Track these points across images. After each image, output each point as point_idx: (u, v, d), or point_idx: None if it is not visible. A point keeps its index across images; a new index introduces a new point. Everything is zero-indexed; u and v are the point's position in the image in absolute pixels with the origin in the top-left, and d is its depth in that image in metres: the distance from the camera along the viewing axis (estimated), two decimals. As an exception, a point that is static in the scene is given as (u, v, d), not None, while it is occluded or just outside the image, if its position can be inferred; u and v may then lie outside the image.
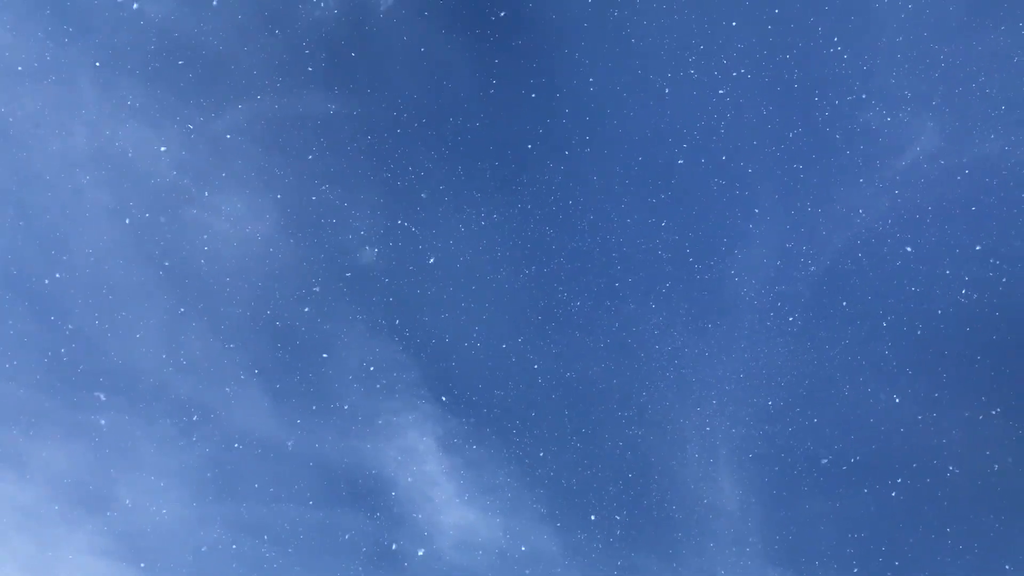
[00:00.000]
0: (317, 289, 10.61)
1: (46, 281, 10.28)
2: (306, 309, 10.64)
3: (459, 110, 10.41)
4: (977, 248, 10.03)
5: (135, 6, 9.77)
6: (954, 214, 10.07)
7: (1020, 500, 10.25)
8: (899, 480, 10.55)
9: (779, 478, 10.81)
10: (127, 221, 10.27)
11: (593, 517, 11.03)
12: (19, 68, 9.81)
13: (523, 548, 11.13)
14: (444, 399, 10.95)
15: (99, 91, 9.95)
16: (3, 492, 10.56)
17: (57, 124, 9.96)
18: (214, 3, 9.89)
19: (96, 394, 10.25)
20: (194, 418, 10.78)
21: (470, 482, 11.10)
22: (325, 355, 10.76)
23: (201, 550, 10.96)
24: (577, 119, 10.38)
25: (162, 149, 9.95)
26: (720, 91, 10.17)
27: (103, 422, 10.60)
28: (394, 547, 11.03)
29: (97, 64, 9.85)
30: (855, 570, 10.66)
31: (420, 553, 10.81)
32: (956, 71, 9.81)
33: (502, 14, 10.16)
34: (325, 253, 10.55)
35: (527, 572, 11.12)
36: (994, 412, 10.27)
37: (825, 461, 10.44)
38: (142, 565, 10.92)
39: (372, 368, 10.83)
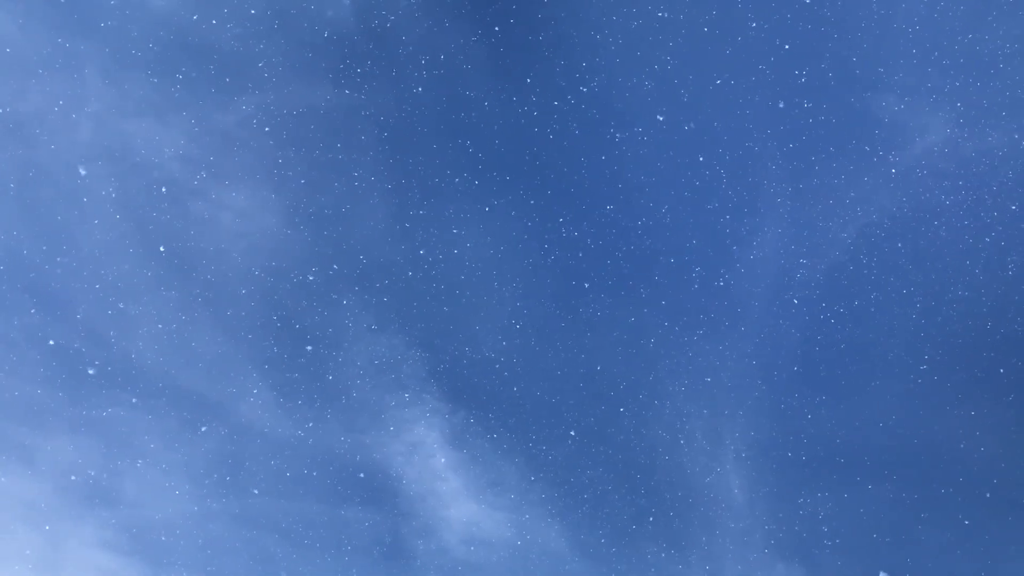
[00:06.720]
0: (324, 284, 10.60)
1: (52, 276, 10.26)
2: (314, 303, 10.63)
3: (470, 106, 10.39)
4: (986, 241, 10.04)
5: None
6: (962, 208, 10.08)
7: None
8: (905, 475, 10.57)
9: (786, 473, 10.83)
10: (133, 215, 10.25)
11: (599, 511, 11.04)
12: (25, 61, 9.77)
13: (529, 542, 11.14)
14: (451, 394, 10.96)
15: (106, 84, 9.91)
16: (10, 487, 10.55)
17: (63, 118, 9.93)
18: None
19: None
20: (201, 412, 10.78)
21: (477, 477, 11.11)
22: (332, 349, 10.76)
23: (208, 544, 10.96)
24: (588, 118, 10.37)
25: (168, 144, 9.92)
26: (727, 88, 10.17)
27: (109, 417, 10.59)
28: (401, 541, 11.05)
29: (104, 56, 9.82)
30: (861, 564, 10.69)
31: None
32: (965, 64, 9.81)
33: (516, 9, 10.13)
34: (333, 248, 10.54)
35: (533, 566, 11.13)
36: (1000, 408, 10.29)
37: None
38: (148, 560, 10.92)
39: (379, 362, 10.83)
